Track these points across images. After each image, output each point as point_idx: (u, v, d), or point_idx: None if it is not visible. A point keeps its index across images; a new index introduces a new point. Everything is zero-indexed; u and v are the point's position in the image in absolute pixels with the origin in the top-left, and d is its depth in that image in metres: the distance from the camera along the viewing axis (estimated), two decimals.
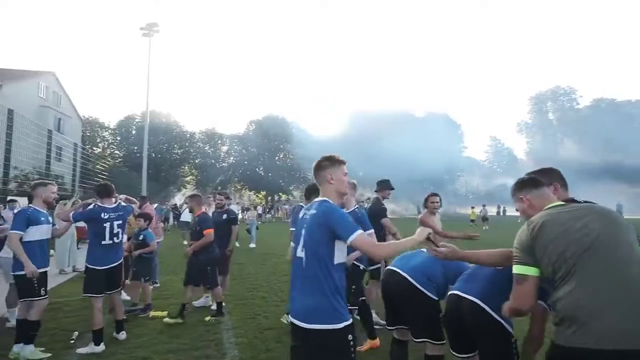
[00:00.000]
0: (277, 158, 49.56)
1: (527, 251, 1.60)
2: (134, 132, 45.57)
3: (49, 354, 3.62)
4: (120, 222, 3.93)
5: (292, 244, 2.53)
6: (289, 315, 2.15)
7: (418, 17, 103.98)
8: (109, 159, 44.41)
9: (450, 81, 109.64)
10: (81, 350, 3.67)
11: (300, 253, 1.92)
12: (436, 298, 2.48)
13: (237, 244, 11.36)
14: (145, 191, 19.95)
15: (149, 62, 22.14)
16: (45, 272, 3.66)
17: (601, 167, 44.57)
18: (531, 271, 1.59)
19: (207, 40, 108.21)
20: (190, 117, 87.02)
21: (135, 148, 44.10)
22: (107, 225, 3.80)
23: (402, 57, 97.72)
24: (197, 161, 48.96)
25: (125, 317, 4.26)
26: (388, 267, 2.72)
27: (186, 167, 48.74)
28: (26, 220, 3.48)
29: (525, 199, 1.80)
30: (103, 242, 3.79)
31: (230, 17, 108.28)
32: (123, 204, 4.15)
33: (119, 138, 46.98)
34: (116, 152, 47.20)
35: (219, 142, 50.85)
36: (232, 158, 50.30)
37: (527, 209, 1.78)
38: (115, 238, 3.87)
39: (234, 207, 3.80)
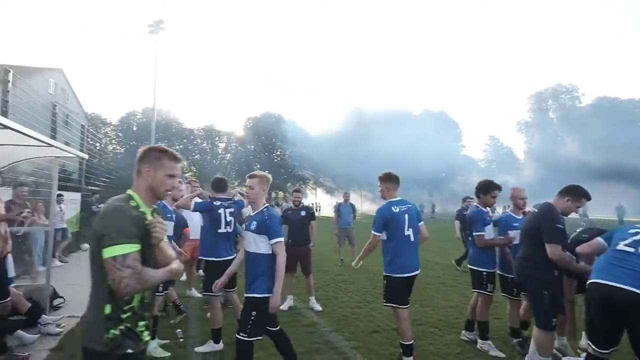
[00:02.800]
0: (274, 155, 49.70)
1: None
2: (135, 128, 46.04)
3: (169, 354, 3.56)
4: (232, 210, 3.94)
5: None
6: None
7: (416, 14, 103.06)
8: (111, 155, 44.96)
9: (448, 79, 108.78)
10: (201, 349, 3.61)
11: (408, 232, 3.33)
12: None
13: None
14: None
15: (157, 59, 22.13)
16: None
17: (602, 167, 44.00)
18: None
19: (206, 37, 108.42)
20: (189, 114, 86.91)
21: (137, 144, 44.57)
22: (222, 212, 3.81)
23: (399, 55, 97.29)
24: (195, 157, 49.34)
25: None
26: (599, 282, 2.48)
27: (185, 164, 49.19)
28: None
29: None
30: (219, 231, 3.77)
31: (230, 14, 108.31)
32: (235, 198, 4.19)
33: (120, 134, 47.48)
34: (117, 148, 47.71)
35: (217, 138, 51.16)
36: (229, 155, 50.60)
37: None
38: (228, 227, 3.85)
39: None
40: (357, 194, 51.87)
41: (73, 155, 5.03)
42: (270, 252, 2.73)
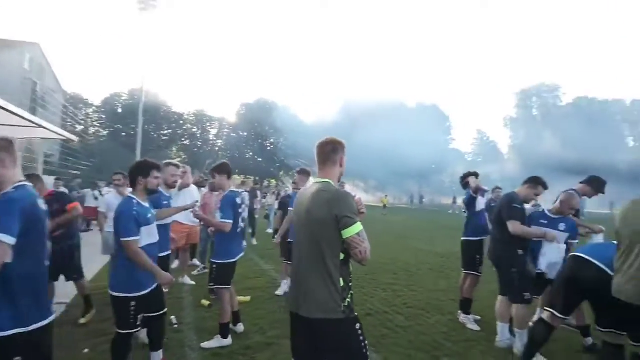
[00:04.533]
0: (267, 143, 49.20)
1: None
2: (119, 110, 44.13)
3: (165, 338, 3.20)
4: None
5: None
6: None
7: (412, 9, 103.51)
8: (93, 138, 42.98)
9: (442, 73, 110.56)
10: (208, 345, 3.36)
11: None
12: None
13: (269, 231, 11.19)
14: None
15: (145, 38, 21.49)
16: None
17: (578, 162, 46.51)
18: None
19: (199, 19, 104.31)
20: (179, 98, 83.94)
21: (122, 127, 42.77)
22: (240, 210, 3.52)
23: (395, 47, 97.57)
24: (185, 142, 48.07)
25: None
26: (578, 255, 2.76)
27: (174, 149, 47.77)
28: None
29: None
30: (238, 230, 3.49)
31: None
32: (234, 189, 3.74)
33: (103, 117, 45.40)
34: (100, 131, 45.64)
35: (208, 124, 49.98)
36: (221, 141, 49.62)
37: None
38: (242, 223, 3.63)
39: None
40: (350, 184, 52.37)
41: (62, 138, 4.72)
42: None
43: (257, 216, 11.46)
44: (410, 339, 3.64)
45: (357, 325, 1.69)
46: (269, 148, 48.95)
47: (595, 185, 3.81)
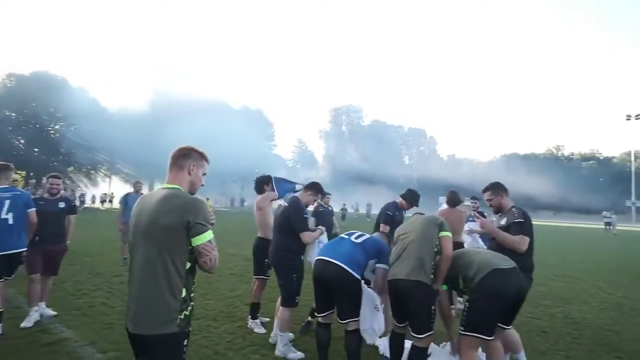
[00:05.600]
0: (49, 129, 38.66)
1: None
2: None
3: None
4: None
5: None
6: None
7: (240, 17, 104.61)
8: None
9: (268, 81, 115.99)
10: None
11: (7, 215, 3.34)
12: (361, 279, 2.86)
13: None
14: None
15: None
16: None
17: (372, 175, 56.75)
18: None
19: None
20: None
21: None
22: None
23: (225, 48, 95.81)
24: None
25: None
26: (320, 257, 2.93)
27: None
28: None
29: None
30: None
31: None
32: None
33: None
34: None
35: None
36: None
37: None
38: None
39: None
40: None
41: None
42: None
43: None
44: (190, 355, 2.70)
45: (185, 342, 1.64)
46: (53, 136, 38.65)
47: (410, 198, 4.23)
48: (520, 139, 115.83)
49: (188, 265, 1.61)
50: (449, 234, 2.76)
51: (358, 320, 2.82)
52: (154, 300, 1.55)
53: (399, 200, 4.29)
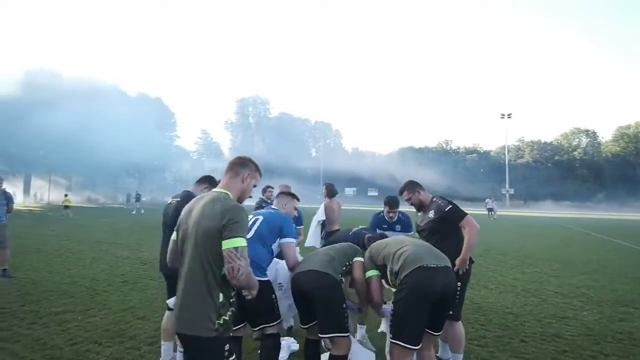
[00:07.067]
0: None
1: None
2: None
3: None
4: None
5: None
6: None
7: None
8: None
9: (169, 68, 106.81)
10: None
11: None
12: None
13: None
14: None
15: None
16: None
17: (280, 167, 57.57)
18: None
19: None
20: None
21: None
22: None
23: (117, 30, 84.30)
24: None
25: None
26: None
27: None
28: None
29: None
30: None
31: None
32: None
33: None
34: None
35: None
36: None
37: None
38: None
39: None
40: (44, 181, 40.16)
41: None
42: None
43: None
44: None
45: (226, 347, 1.62)
46: None
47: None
48: (416, 134, 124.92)
49: (224, 270, 1.57)
50: (362, 259, 2.56)
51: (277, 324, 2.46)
52: (192, 301, 1.59)
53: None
